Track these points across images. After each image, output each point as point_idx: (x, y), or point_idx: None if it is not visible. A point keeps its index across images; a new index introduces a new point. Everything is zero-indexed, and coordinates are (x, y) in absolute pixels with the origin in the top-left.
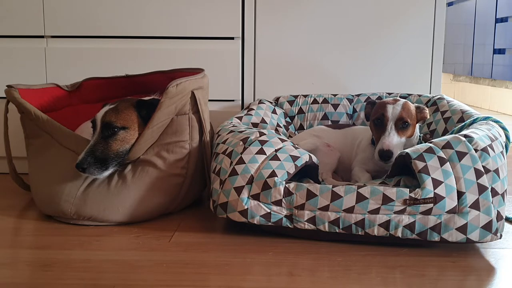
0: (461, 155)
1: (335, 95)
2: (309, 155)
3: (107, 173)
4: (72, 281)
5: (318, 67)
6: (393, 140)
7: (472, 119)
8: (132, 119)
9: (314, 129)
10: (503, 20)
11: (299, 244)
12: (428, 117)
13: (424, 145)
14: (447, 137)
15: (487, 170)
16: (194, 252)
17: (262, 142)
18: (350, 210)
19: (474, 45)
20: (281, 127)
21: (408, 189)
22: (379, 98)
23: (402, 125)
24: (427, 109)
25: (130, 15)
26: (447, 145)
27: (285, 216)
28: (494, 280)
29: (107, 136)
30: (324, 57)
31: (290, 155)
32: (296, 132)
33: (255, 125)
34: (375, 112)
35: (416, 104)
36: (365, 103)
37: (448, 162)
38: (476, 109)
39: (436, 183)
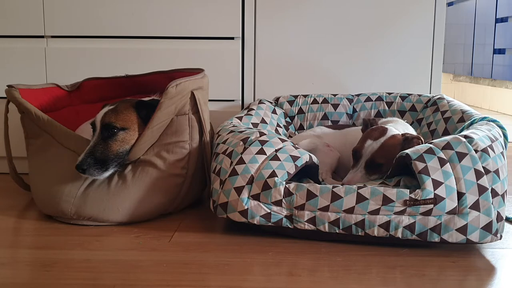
0: (461, 155)
1: (335, 95)
2: (309, 155)
3: (107, 174)
4: (72, 281)
5: (318, 67)
6: (358, 178)
7: (469, 121)
8: (131, 119)
9: (314, 130)
10: (503, 20)
11: (299, 244)
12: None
13: (424, 146)
14: (447, 137)
15: (487, 171)
16: (194, 252)
17: (262, 142)
18: (350, 210)
19: (474, 45)
20: (281, 127)
21: (408, 190)
22: (379, 98)
23: (373, 165)
24: (420, 139)
25: (130, 15)
26: (447, 146)
27: (285, 216)
28: (494, 280)
29: (106, 137)
30: (324, 57)
31: (290, 155)
32: (296, 132)
33: (255, 125)
34: (359, 141)
35: (408, 135)
36: (364, 102)
37: (448, 163)
38: (476, 109)
39: (436, 184)
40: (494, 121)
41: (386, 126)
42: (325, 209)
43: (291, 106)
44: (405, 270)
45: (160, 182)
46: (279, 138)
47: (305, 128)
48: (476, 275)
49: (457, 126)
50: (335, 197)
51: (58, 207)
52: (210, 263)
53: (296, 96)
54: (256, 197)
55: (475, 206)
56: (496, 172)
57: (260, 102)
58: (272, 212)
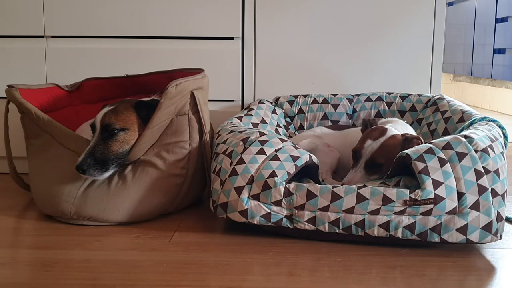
0: (461, 155)
1: (335, 95)
2: (309, 155)
3: (107, 174)
4: (72, 281)
5: (318, 67)
6: (357, 178)
7: (469, 121)
8: (131, 120)
9: (314, 130)
10: (503, 20)
11: (299, 244)
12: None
13: (424, 146)
14: (447, 137)
15: (487, 171)
16: (194, 252)
17: (262, 142)
18: (350, 210)
19: (474, 45)
20: (281, 127)
21: (408, 190)
22: (379, 98)
23: (373, 165)
24: (419, 139)
25: (130, 15)
26: (447, 146)
27: (285, 216)
28: (494, 280)
29: (106, 137)
30: (324, 57)
31: (290, 155)
32: (296, 132)
33: (255, 125)
34: (358, 141)
35: (408, 135)
36: (364, 102)
37: (448, 163)
38: (476, 109)
39: (436, 184)
40: (494, 121)
41: (386, 126)
42: (325, 209)
43: (291, 106)
44: (405, 270)
45: (160, 182)
46: (279, 138)
47: (305, 128)
48: (476, 275)
49: (457, 126)
50: (335, 197)
51: (58, 207)
52: (210, 263)
53: (296, 96)
54: (256, 197)
55: (475, 206)
56: (496, 172)
57: (260, 102)
58: (272, 212)
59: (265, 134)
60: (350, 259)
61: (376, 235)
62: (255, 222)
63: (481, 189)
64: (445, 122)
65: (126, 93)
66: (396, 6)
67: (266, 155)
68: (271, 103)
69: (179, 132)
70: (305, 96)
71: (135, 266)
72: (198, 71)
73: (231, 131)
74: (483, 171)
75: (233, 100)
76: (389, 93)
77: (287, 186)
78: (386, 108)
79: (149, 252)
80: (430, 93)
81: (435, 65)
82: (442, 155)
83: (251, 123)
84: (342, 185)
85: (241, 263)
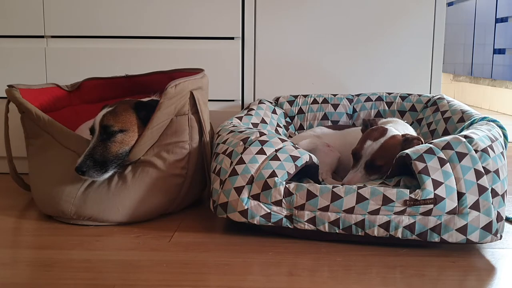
0: (461, 156)
1: (335, 95)
2: (309, 155)
3: (107, 175)
4: (72, 281)
5: (318, 67)
6: (357, 178)
7: (469, 121)
8: (130, 121)
9: (314, 130)
10: (503, 20)
11: (299, 244)
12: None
13: (424, 146)
14: (447, 137)
15: (487, 171)
16: (194, 252)
17: (262, 142)
18: (350, 210)
19: (474, 45)
20: (281, 127)
21: (408, 190)
22: (379, 98)
23: (373, 165)
24: (419, 140)
25: (130, 15)
26: (447, 146)
27: (285, 216)
28: (494, 280)
29: (105, 138)
30: (324, 57)
31: (290, 155)
32: (296, 132)
33: (255, 125)
34: (359, 142)
35: (408, 135)
36: (365, 102)
37: (448, 163)
38: (476, 109)
39: (436, 184)
40: (494, 121)
41: (386, 127)
42: (325, 209)
43: (291, 106)
44: (405, 270)
45: (160, 182)
46: (279, 138)
47: (305, 128)
48: (476, 275)
49: (457, 126)
50: (335, 197)
51: (58, 207)
52: (210, 263)
53: (296, 96)
54: (256, 197)
55: (475, 206)
56: (496, 172)
57: (260, 102)
58: (272, 212)
59: (265, 134)
60: (350, 259)
61: (376, 235)
62: (255, 222)
63: (481, 189)
64: (445, 122)
65: (126, 93)
66: (396, 6)
67: (266, 155)
68: (271, 103)
69: (178, 132)
70: (305, 96)
71: (135, 266)
72: (197, 71)
73: (231, 131)
74: (483, 171)
75: (233, 100)
76: (389, 93)
77: (287, 186)
78: (386, 108)
79: (149, 252)
80: (430, 93)
81: (435, 65)
82: (442, 155)
83: (251, 123)
84: (342, 185)
85: (241, 263)
